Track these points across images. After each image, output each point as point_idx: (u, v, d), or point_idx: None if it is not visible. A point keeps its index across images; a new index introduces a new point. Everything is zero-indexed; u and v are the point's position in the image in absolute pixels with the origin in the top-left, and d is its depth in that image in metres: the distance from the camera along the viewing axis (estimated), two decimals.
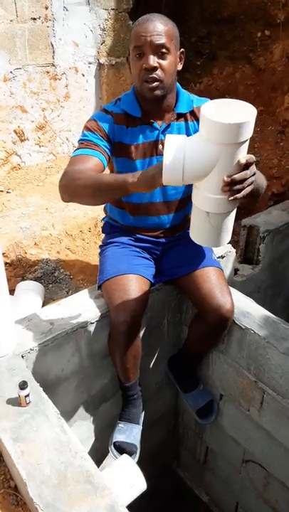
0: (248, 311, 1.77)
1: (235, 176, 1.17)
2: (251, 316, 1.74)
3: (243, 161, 1.17)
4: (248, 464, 2.02)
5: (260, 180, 1.42)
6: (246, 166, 1.19)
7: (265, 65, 3.52)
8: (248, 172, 1.19)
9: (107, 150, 1.51)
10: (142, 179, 1.26)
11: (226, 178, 1.17)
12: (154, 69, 1.41)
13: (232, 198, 1.20)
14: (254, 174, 1.22)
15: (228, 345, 1.83)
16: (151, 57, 1.39)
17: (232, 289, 1.76)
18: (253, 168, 1.22)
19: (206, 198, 1.24)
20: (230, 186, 1.18)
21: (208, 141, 1.17)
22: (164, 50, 1.40)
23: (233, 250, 2.12)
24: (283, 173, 3.12)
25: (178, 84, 1.57)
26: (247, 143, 1.19)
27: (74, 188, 1.40)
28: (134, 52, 1.42)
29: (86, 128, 1.53)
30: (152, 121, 1.56)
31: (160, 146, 1.57)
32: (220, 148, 1.16)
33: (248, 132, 1.16)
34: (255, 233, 2.51)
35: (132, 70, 1.47)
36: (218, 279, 1.67)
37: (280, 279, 2.73)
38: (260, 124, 3.40)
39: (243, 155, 1.18)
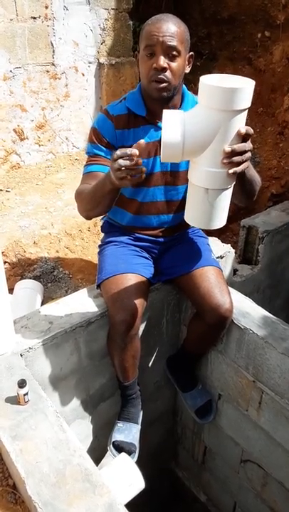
0: (247, 311, 1.77)
1: (235, 146, 1.20)
2: (250, 316, 1.75)
3: (242, 130, 1.20)
4: (246, 464, 2.02)
5: (253, 172, 1.45)
6: (244, 139, 1.22)
7: (265, 66, 3.53)
8: (246, 145, 1.22)
9: (110, 158, 1.53)
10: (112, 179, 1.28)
11: (226, 148, 1.19)
12: (164, 70, 1.41)
13: (232, 171, 1.23)
14: (251, 150, 1.25)
15: (226, 345, 1.84)
16: (162, 58, 1.40)
17: (231, 289, 1.76)
18: (250, 144, 1.25)
19: (205, 173, 1.25)
20: (230, 157, 1.20)
21: (208, 110, 1.19)
22: (174, 53, 1.40)
23: (232, 250, 2.12)
24: (282, 174, 3.13)
25: (184, 85, 1.58)
26: (245, 113, 1.21)
27: (83, 206, 1.52)
28: (144, 51, 1.42)
29: (90, 139, 1.59)
30: (157, 120, 1.56)
31: None
32: (220, 116, 1.18)
33: (248, 100, 1.18)
34: (254, 234, 2.51)
35: (141, 69, 1.48)
36: (217, 278, 1.67)
37: (279, 279, 2.73)
38: (259, 125, 3.40)
39: (242, 125, 1.21)
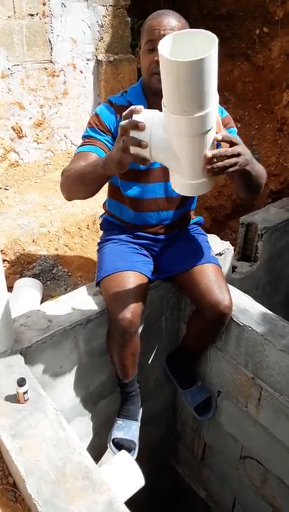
0: (246, 308, 1.77)
1: (216, 151, 1.14)
2: (249, 313, 1.75)
3: (219, 137, 1.15)
4: (246, 461, 2.02)
5: (258, 167, 1.41)
6: (230, 145, 1.18)
7: (264, 62, 3.52)
8: (229, 150, 1.17)
9: (107, 143, 1.52)
10: (106, 161, 1.24)
11: (207, 153, 1.13)
12: None
13: (210, 174, 1.17)
14: (240, 154, 1.20)
15: (226, 342, 1.84)
16: None
17: (230, 286, 1.76)
18: (238, 148, 1.20)
19: (186, 185, 1.22)
20: (211, 163, 1.15)
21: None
22: None
23: (231, 248, 2.13)
24: (281, 170, 3.13)
25: None
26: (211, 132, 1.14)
27: (67, 185, 1.43)
28: (146, 45, 1.43)
29: (89, 123, 1.56)
30: None
31: None
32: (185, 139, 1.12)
33: (212, 120, 1.10)
34: (253, 230, 2.51)
35: (142, 63, 1.48)
36: (217, 275, 1.67)
37: (278, 276, 2.74)
38: (258, 122, 3.40)
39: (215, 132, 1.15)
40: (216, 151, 1.15)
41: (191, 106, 1.05)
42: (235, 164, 1.19)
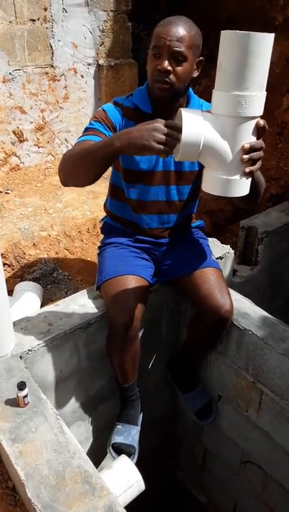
0: (247, 312, 1.77)
1: (254, 142, 1.23)
2: (250, 317, 1.74)
3: (261, 122, 1.23)
4: (247, 465, 2.01)
5: (259, 173, 1.45)
6: (259, 136, 1.25)
7: None
8: (261, 142, 1.25)
9: None
10: (123, 141, 1.23)
11: (245, 145, 1.22)
12: (167, 72, 1.41)
13: (248, 169, 1.25)
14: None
15: (226, 346, 1.83)
16: (166, 61, 1.39)
17: (230, 290, 1.76)
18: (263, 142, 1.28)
19: (222, 181, 1.27)
20: (250, 153, 1.23)
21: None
22: (180, 58, 1.40)
23: (232, 251, 2.12)
24: (282, 174, 3.13)
25: (190, 89, 1.58)
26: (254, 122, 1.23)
27: (70, 162, 1.38)
28: (152, 50, 1.43)
29: (94, 117, 1.53)
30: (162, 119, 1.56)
31: None
32: (233, 122, 1.21)
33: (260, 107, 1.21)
34: (253, 234, 2.51)
35: (148, 67, 1.48)
36: (218, 279, 1.67)
37: (279, 280, 2.73)
38: None
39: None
40: (253, 142, 1.23)
41: (252, 81, 1.17)
42: (261, 158, 1.27)
